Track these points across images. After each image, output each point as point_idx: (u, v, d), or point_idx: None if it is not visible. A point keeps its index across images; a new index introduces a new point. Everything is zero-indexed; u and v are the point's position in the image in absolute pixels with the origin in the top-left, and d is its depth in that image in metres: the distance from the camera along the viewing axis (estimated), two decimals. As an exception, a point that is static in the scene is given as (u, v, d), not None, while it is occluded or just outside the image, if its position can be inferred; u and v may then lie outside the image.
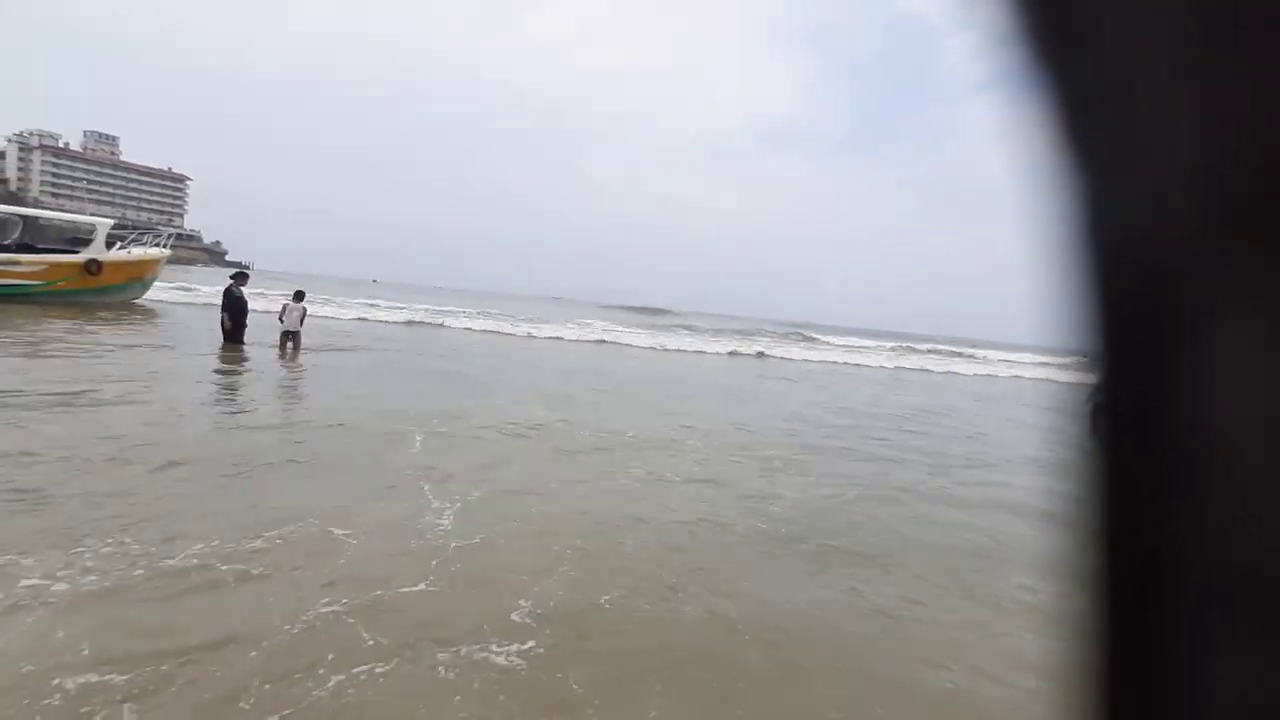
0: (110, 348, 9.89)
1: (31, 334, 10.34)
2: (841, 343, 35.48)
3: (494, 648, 2.86)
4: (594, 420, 8.33)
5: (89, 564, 3.21)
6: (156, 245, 19.19)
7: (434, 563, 3.63)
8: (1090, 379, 0.24)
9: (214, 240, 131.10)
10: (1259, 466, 0.20)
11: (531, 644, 2.91)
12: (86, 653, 2.52)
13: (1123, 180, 0.23)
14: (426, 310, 26.49)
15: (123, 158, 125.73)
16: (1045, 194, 0.25)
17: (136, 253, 17.94)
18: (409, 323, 22.45)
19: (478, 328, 23.43)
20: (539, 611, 3.20)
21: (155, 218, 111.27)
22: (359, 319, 21.61)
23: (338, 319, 20.50)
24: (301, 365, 10.41)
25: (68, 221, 17.62)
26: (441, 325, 23.02)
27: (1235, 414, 0.20)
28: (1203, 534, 0.21)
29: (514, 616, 3.14)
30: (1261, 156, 0.19)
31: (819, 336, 38.01)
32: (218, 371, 9.17)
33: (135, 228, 23.17)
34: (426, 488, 4.88)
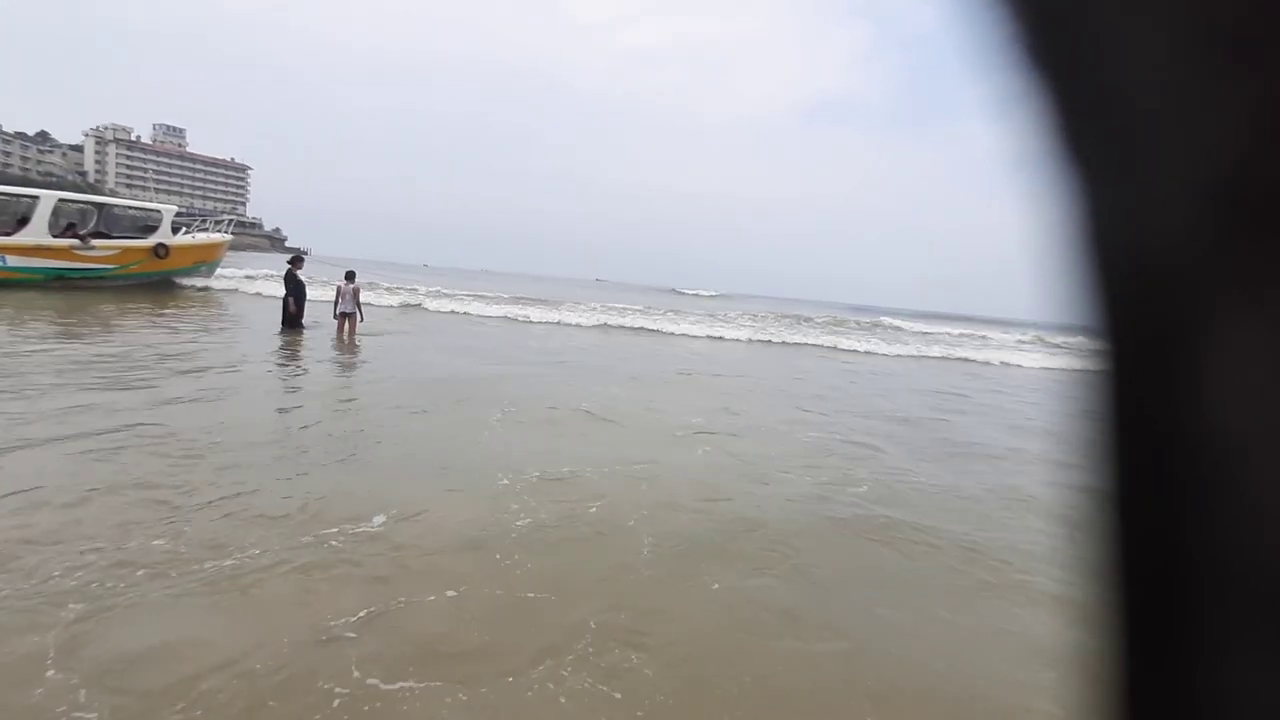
0: (179, 332, 10.02)
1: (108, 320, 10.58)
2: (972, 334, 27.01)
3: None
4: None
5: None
6: (219, 230, 19.79)
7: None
8: (1099, 376, 0.24)
9: (274, 227, 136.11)
10: (1266, 467, 0.20)
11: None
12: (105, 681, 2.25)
13: (1123, 183, 0.22)
14: (519, 302, 22.85)
15: (189, 149, 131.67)
16: (1048, 195, 0.24)
17: (201, 238, 18.54)
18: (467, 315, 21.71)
19: (585, 323, 19.13)
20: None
21: (219, 206, 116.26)
22: (417, 305, 19.76)
23: (385, 306, 20.36)
24: (358, 347, 10.35)
25: (139, 209, 18.25)
26: (528, 319, 18.94)
27: (1241, 416, 0.20)
28: (1212, 534, 0.21)
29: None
30: (1263, 159, 0.19)
31: (905, 325, 31.51)
32: (283, 355, 9.19)
33: (200, 215, 23.92)
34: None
